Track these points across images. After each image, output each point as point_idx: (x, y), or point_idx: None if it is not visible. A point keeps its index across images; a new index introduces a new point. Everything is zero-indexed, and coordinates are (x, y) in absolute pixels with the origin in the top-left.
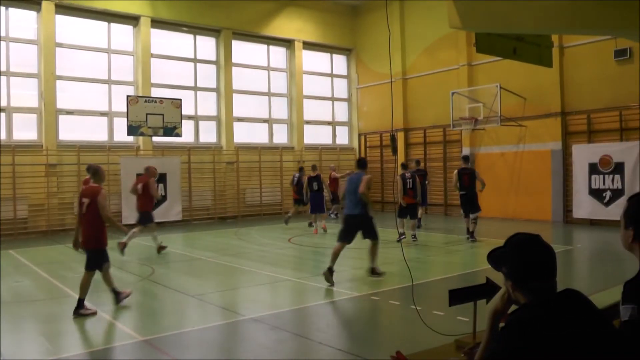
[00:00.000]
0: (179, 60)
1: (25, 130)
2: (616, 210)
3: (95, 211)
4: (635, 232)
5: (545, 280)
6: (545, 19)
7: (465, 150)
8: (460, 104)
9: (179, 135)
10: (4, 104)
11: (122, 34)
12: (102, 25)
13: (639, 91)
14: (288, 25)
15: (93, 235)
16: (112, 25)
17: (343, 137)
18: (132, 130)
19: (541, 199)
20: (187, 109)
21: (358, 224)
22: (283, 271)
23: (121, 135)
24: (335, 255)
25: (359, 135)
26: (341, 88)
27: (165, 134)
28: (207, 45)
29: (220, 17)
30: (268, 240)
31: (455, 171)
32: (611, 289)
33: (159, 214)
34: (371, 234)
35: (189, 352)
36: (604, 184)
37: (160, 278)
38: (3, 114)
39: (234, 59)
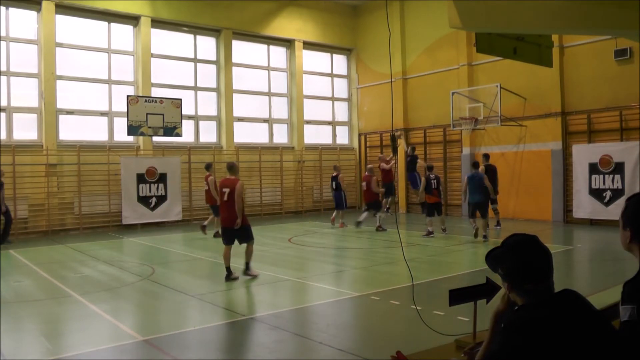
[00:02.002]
0: (179, 60)
1: (25, 130)
2: (616, 210)
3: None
4: (633, 232)
5: (541, 282)
6: (545, 19)
7: (465, 150)
8: (461, 103)
9: (179, 135)
10: (4, 104)
11: (122, 34)
12: (102, 25)
13: (639, 91)
14: (288, 25)
15: (235, 217)
16: (112, 25)
17: (343, 137)
18: (132, 130)
19: (541, 199)
20: (187, 108)
21: (479, 206)
22: (283, 271)
23: (121, 135)
24: (475, 224)
25: (359, 135)
26: (341, 88)
27: (166, 134)
28: (207, 45)
29: (220, 17)
30: (268, 240)
31: (482, 167)
32: (611, 289)
33: (158, 214)
34: (486, 213)
35: (189, 352)
36: (604, 183)
37: (160, 278)
38: (3, 114)
39: (234, 59)
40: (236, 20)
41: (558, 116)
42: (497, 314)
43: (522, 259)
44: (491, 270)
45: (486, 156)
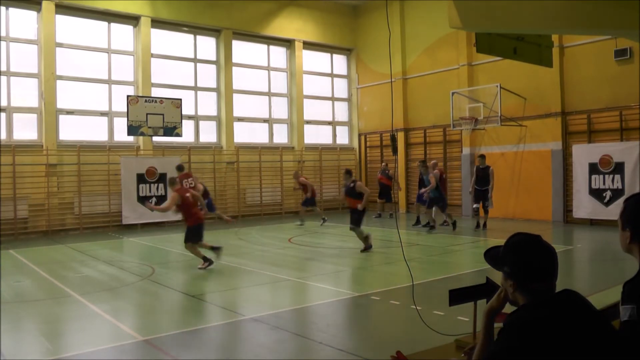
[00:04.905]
0: (179, 60)
1: (25, 130)
2: (616, 210)
3: None
4: (633, 233)
5: (546, 281)
6: (545, 19)
7: (465, 150)
8: (461, 104)
9: (179, 135)
10: (4, 104)
11: (122, 34)
12: (102, 25)
13: (639, 91)
14: (288, 25)
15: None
16: (112, 25)
17: (343, 137)
18: (132, 130)
19: (541, 199)
20: (187, 108)
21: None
22: (283, 271)
23: (121, 135)
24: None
25: (359, 135)
26: (341, 88)
27: (166, 134)
28: (207, 45)
29: (221, 17)
30: (268, 240)
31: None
32: (611, 289)
33: (158, 214)
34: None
35: (189, 352)
36: (604, 183)
37: (160, 278)
38: (3, 114)
39: (234, 59)
40: (236, 20)
41: (558, 116)
42: (490, 311)
43: (529, 257)
44: (491, 266)
45: (482, 157)
